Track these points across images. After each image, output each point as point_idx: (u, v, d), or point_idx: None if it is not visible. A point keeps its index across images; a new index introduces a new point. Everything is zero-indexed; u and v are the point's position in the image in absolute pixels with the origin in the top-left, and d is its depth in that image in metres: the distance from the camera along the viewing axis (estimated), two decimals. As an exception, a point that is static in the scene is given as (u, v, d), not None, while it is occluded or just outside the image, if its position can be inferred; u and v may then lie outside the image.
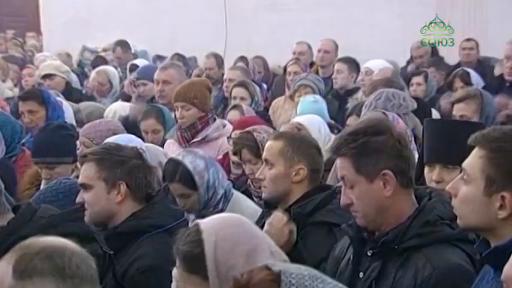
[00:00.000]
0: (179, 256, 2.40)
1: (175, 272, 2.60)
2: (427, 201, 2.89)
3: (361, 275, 2.89)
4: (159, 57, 10.80)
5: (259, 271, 1.93)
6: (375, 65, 7.64)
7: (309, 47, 9.31)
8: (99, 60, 10.33)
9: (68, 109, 6.00)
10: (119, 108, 6.62)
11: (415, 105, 5.09)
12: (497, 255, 2.29)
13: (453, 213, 2.66)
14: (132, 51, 10.74)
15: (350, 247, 3.01)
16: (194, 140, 5.36)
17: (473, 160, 2.37)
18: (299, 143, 3.66)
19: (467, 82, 7.05)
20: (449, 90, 7.28)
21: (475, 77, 7.22)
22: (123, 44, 10.47)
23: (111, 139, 4.32)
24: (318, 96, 5.99)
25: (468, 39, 9.15)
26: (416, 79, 7.87)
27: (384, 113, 4.27)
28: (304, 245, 3.47)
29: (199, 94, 5.32)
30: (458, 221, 2.43)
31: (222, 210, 4.06)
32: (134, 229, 3.35)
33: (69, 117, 5.83)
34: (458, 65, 8.97)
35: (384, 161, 2.84)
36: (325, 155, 3.88)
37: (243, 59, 9.41)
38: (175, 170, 4.08)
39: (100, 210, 3.40)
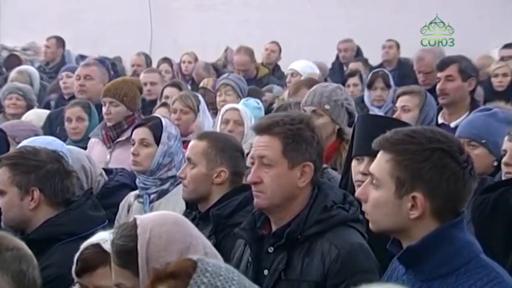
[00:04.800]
0: (113, 249, 2.39)
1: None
2: (318, 188, 2.98)
3: (265, 272, 2.92)
4: (82, 57, 10.61)
5: (179, 260, 1.99)
6: (302, 67, 7.62)
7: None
8: (13, 60, 10.03)
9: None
10: (34, 118, 6.37)
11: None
12: (410, 255, 2.36)
13: (342, 196, 2.92)
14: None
15: (246, 250, 3.03)
16: (119, 139, 5.27)
17: (381, 164, 2.39)
18: (223, 144, 3.64)
19: (388, 84, 7.14)
20: (368, 89, 7.33)
21: (392, 79, 7.35)
22: (59, 40, 10.32)
23: (32, 141, 4.19)
24: (260, 103, 6.09)
25: (388, 40, 9.47)
26: (352, 80, 7.96)
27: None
28: (223, 248, 3.39)
29: (130, 92, 5.29)
30: (371, 225, 2.46)
31: (167, 191, 4.16)
32: (46, 236, 3.27)
33: None
34: (380, 65, 9.15)
35: (310, 153, 2.94)
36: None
37: (166, 60, 9.47)
38: (151, 119, 4.34)
39: (14, 216, 3.33)
